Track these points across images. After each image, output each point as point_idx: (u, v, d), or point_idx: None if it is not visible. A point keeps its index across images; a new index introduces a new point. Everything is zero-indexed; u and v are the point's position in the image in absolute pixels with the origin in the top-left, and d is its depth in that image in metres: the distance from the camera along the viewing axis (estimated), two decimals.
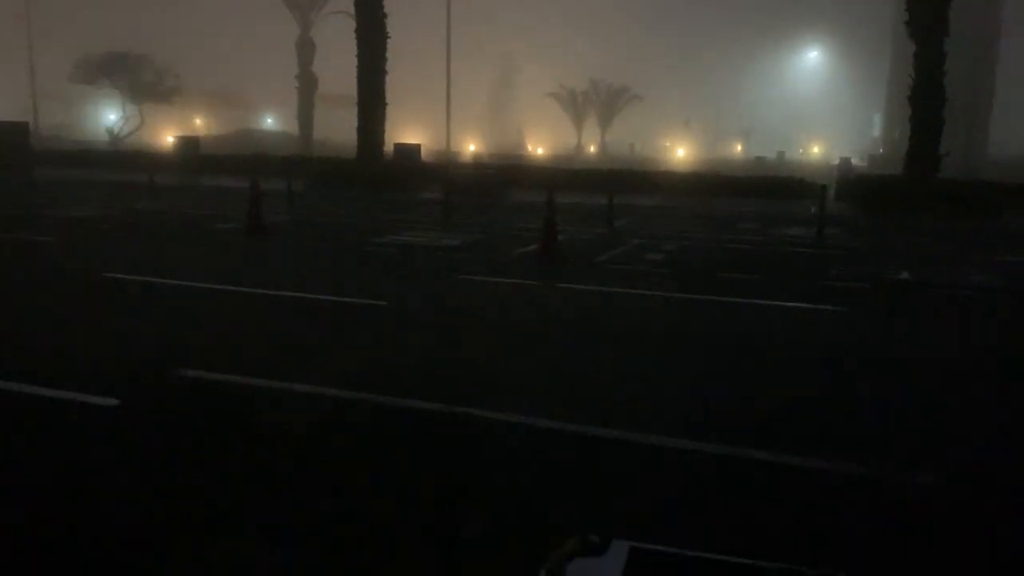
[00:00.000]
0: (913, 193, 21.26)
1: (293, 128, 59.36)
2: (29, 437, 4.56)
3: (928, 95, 21.70)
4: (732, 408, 5.30)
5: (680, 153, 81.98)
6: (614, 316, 8.40)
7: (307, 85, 54.94)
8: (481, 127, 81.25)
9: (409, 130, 55.82)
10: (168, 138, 44.25)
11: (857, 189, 23.91)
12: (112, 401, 5.04)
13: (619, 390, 5.67)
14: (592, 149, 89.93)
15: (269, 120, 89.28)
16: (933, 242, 15.62)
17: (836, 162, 43.94)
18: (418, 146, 28.83)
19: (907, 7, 21.81)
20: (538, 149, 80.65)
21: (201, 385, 5.47)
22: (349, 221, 16.79)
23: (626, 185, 25.35)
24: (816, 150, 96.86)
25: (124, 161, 33.05)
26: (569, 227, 14.59)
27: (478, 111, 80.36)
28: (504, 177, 26.14)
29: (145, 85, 62.64)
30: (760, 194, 25.15)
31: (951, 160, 23.24)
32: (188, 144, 31.53)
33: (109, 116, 66.93)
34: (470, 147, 68.87)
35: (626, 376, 6.04)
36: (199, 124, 70.51)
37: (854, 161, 46.65)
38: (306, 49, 54.94)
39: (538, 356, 6.54)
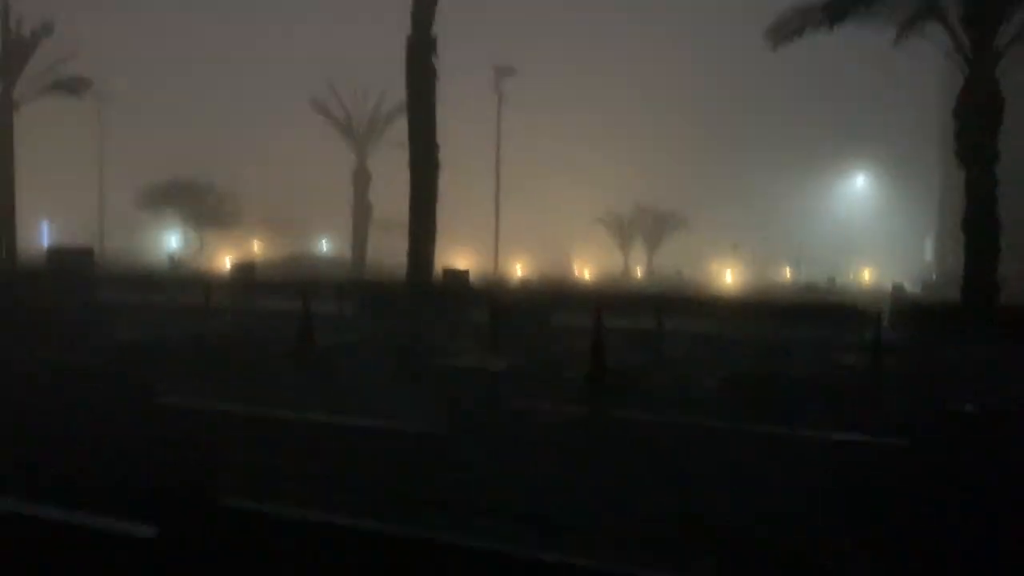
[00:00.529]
0: (971, 320, 20.73)
1: (346, 252, 60.86)
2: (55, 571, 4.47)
3: (981, 220, 21.48)
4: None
5: (728, 277, 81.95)
6: (668, 448, 8.16)
7: (361, 212, 56.63)
8: (528, 250, 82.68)
9: (458, 253, 56.88)
10: (226, 261, 45.72)
11: (912, 315, 23.41)
12: (151, 531, 4.95)
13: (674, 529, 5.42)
14: (639, 273, 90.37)
15: (323, 244, 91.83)
16: (995, 370, 15.08)
17: (889, 288, 43.37)
18: (466, 271, 29.27)
19: (955, 134, 21.91)
20: (585, 272, 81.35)
21: (247, 515, 5.36)
22: (399, 345, 16.88)
23: (674, 309, 25.19)
24: (867, 275, 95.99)
25: (184, 284, 34.03)
26: (617, 351, 14.44)
27: (525, 235, 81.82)
28: (551, 299, 26.23)
29: (206, 211, 65.70)
30: (812, 320, 24.73)
31: (1010, 285, 22.75)
32: (244, 268, 32.46)
33: (171, 241, 69.94)
34: (517, 270, 69.79)
35: (682, 516, 5.81)
36: (256, 248, 72.88)
37: (907, 287, 45.98)
38: (361, 178, 56.88)
39: (589, 491, 6.34)
